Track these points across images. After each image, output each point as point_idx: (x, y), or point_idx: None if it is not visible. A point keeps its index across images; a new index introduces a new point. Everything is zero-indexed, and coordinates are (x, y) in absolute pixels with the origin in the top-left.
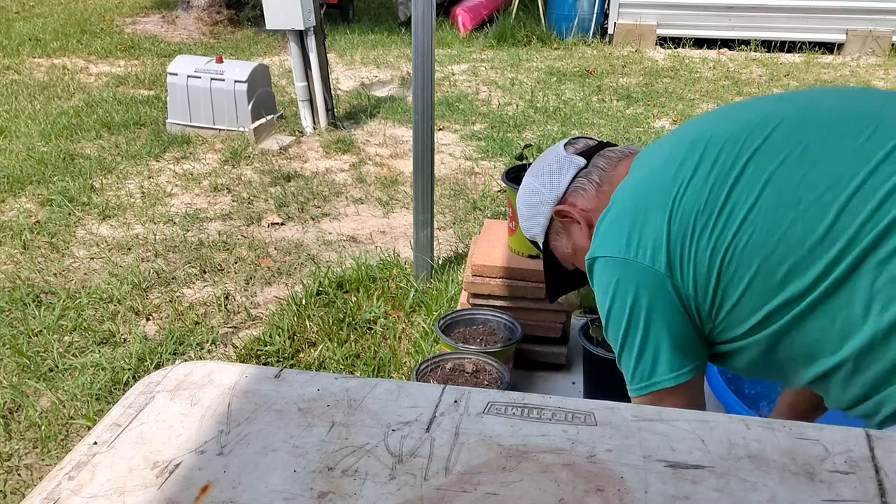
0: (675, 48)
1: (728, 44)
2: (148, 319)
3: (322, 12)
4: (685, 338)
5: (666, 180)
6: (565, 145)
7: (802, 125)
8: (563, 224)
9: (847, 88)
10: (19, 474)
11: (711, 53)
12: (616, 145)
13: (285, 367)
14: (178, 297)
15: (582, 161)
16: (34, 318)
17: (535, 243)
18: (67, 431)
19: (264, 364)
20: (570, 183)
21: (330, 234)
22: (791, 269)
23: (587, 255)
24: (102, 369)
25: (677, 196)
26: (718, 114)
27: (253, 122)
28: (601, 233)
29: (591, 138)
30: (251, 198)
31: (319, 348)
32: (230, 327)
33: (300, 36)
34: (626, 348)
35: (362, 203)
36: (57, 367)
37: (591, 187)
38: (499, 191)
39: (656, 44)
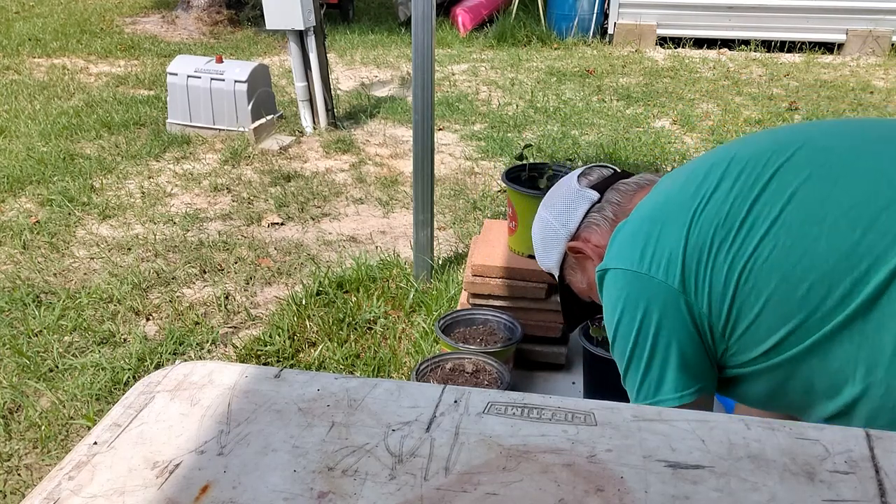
0: (675, 48)
1: (728, 44)
2: (148, 319)
3: (322, 12)
4: (693, 357)
5: (686, 195)
6: (579, 177)
7: (827, 145)
8: (577, 260)
9: (870, 118)
10: (19, 474)
11: (711, 53)
12: (631, 174)
13: (285, 367)
14: (178, 297)
15: (595, 195)
16: (34, 318)
17: (550, 274)
18: (67, 431)
19: (264, 364)
20: (584, 218)
21: (330, 234)
22: (813, 286)
23: (598, 266)
24: (102, 369)
25: (697, 210)
26: (742, 139)
27: (253, 122)
28: (616, 244)
29: (605, 166)
30: (251, 198)
31: (319, 348)
32: (230, 327)
33: (300, 36)
34: (633, 364)
35: (362, 203)
36: (57, 367)
37: (605, 223)
38: (499, 191)
39: (656, 44)
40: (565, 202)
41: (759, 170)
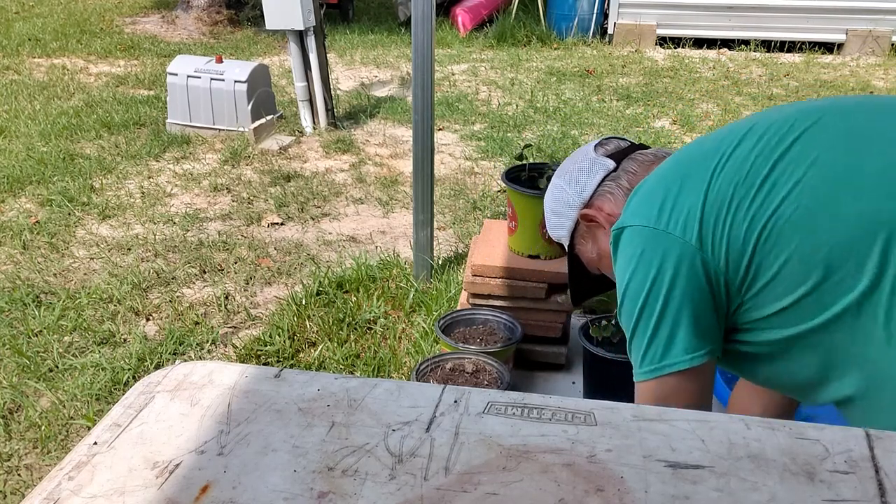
0: (675, 48)
1: (728, 44)
2: (148, 319)
3: (322, 12)
4: (705, 318)
5: (706, 155)
6: (595, 146)
7: (853, 114)
8: (589, 228)
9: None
10: (19, 474)
11: (711, 53)
12: (648, 147)
13: (285, 367)
14: (178, 297)
15: (611, 164)
16: (34, 318)
17: (560, 245)
18: (67, 431)
19: (264, 364)
20: (598, 186)
21: (330, 234)
22: (833, 249)
23: (614, 225)
24: (102, 369)
25: (717, 167)
26: (763, 111)
27: (253, 122)
28: (633, 204)
29: (622, 139)
30: (251, 198)
31: (319, 348)
32: (230, 327)
33: (300, 36)
34: (641, 325)
35: (362, 203)
36: (57, 367)
37: (620, 192)
38: (499, 191)
39: (656, 44)
40: (580, 170)
41: (784, 132)
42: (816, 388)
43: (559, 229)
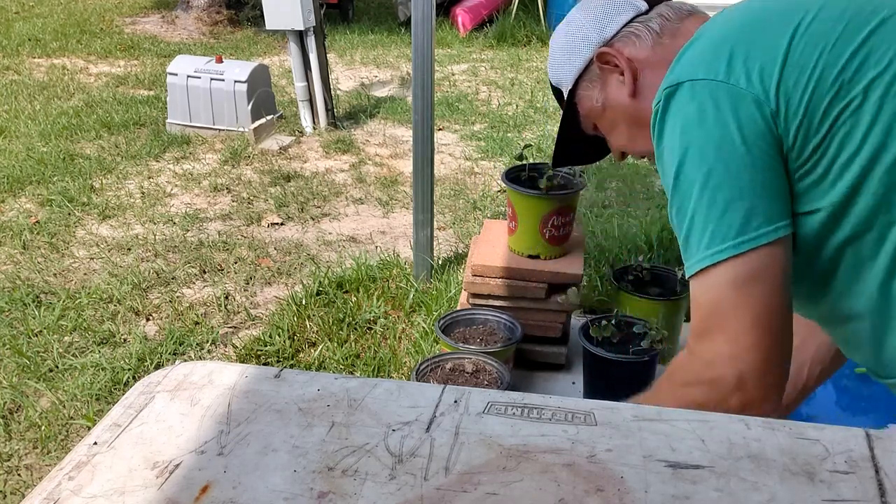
0: None
1: None
2: (148, 319)
3: (322, 12)
4: (780, 185)
5: (780, 11)
6: None
7: None
8: (602, 72)
9: None
10: (19, 474)
11: None
12: None
13: (285, 367)
14: (178, 297)
15: (644, 5)
16: (34, 318)
17: (557, 92)
18: (67, 431)
19: (264, 364)
20: (624, 26)
21: (330, 234)
22: None
23: (664, 84)
24: (102, 369)
25: (800, 26)
26: None
27: (253, 122)
28: (687, 58)
29: None
30: (251, 198)
31: (319, 348)
32: (230, 327)
33: (300, 36)
34: (708, 192)
35: (362, 203)
36: (57, 367)
37: (648, 36)
38: (499, 191)
39: None
40: (607, 6)
41: (876, 4)
42: (838, 295)
43: (566, 70)
